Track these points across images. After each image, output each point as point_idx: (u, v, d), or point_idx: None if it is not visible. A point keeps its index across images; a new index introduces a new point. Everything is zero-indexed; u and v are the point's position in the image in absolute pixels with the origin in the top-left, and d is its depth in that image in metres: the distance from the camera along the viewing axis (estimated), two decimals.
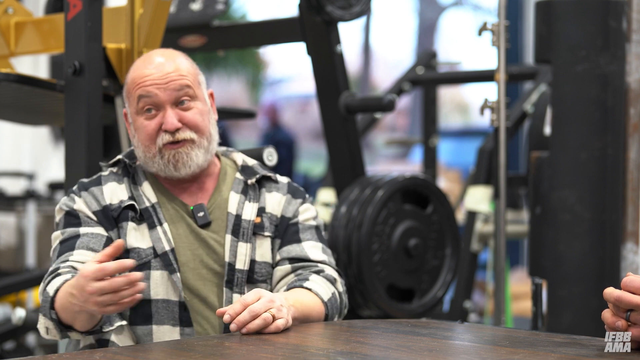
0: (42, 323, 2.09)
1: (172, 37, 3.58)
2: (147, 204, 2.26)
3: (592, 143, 3.09)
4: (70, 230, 2.22)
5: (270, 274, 2.29)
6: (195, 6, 3.76)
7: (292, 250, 2.29)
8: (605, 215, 3.10)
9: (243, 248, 2.26)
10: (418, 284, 3.31)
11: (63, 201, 2.28)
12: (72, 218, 2.24)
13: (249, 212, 2.30)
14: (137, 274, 1.90)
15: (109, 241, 2.21)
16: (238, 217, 2.29)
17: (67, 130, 2.75)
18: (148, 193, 2.29)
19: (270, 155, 2.86)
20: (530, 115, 3.97)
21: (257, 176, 2.35)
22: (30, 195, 6.29)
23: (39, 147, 7.09)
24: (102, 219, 2.24)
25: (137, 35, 2.80)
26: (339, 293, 2.27)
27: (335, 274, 2.30)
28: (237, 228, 2.27)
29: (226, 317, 1.98)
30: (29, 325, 3.46)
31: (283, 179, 2.40)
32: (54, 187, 6.60)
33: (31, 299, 5.80)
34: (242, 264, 2.25)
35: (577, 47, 3.09)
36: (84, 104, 2.70)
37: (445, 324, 2.20)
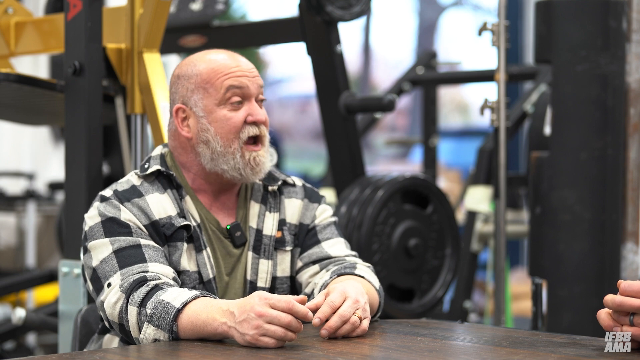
0: (152, 334, 1.93)
1: (172, 37, 3.57)
2: (194, 223, 2.15)
3: (592, 143, 3.09)
4: (126, 239, 2.05)
5: (289, 287, 2.24)
6: (195, 6, 3.75)
7: (312, 253, 2.24)
8: (605, 215, 3.10)
9: (264, 265, 2.20)
10: (418, 284, 3.31)
11: (101, 208, 2.09)
12: (119, 227, 2.07)
13: (270, 225, 2.23)
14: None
15: (166, 258, 2.09)
16: (259, 233, 2.22)
17: (67, 130, 2.75)
18: (192, 210, 2.17)
19: (270, 155, 2.85)
20: (530, 115, 3.97)
21: (279, 183, 2.28)
22: (30, 195, 6.28)
23: (39, 147, 7.08)
24: (152, 234, 2.09)
25: (137, 35, 2.81)
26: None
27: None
28: (259, 244, 2.21)
29: (316, 321, 1.89)
30: (29, 325, 3.45)
31: (298, 181, 2.34)
32: (54, 187, 6.60)
33: (31, 299, 5.80)
34: (263, 282, 2.20)
35: (577, 47, 3.09)
36: (84, 104, 2.70)
37: (445, 324, 2.20)
